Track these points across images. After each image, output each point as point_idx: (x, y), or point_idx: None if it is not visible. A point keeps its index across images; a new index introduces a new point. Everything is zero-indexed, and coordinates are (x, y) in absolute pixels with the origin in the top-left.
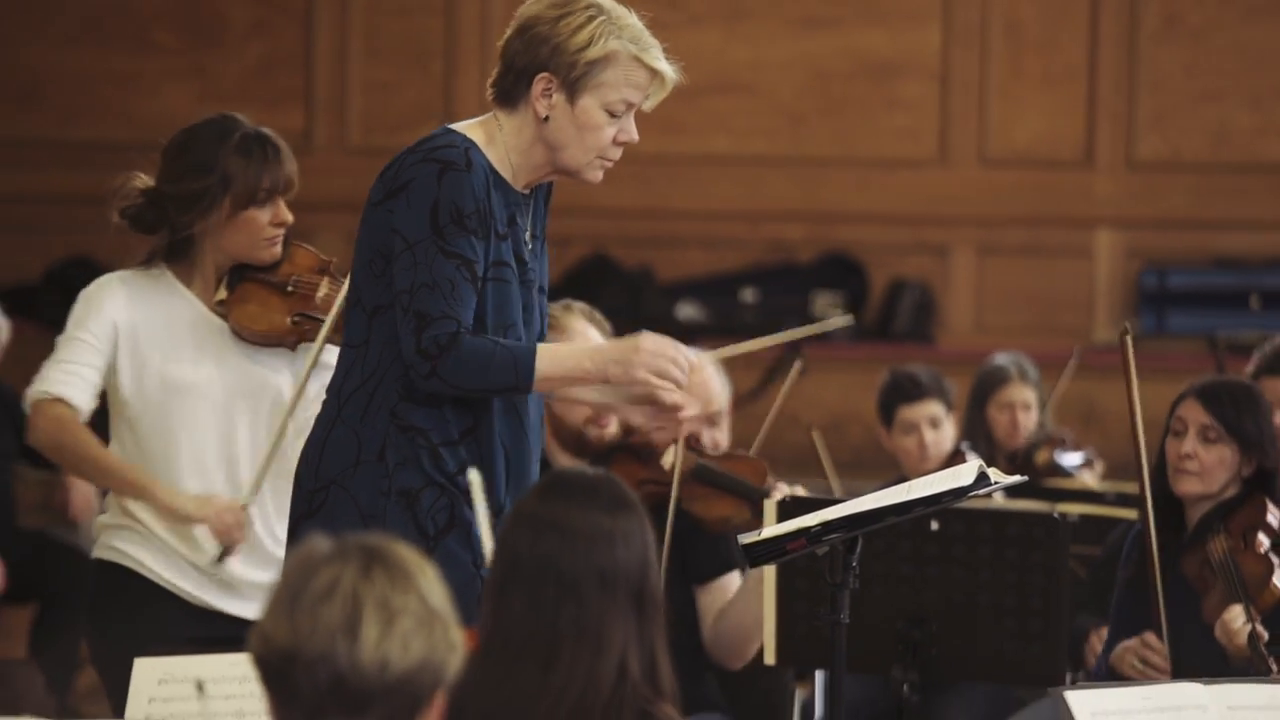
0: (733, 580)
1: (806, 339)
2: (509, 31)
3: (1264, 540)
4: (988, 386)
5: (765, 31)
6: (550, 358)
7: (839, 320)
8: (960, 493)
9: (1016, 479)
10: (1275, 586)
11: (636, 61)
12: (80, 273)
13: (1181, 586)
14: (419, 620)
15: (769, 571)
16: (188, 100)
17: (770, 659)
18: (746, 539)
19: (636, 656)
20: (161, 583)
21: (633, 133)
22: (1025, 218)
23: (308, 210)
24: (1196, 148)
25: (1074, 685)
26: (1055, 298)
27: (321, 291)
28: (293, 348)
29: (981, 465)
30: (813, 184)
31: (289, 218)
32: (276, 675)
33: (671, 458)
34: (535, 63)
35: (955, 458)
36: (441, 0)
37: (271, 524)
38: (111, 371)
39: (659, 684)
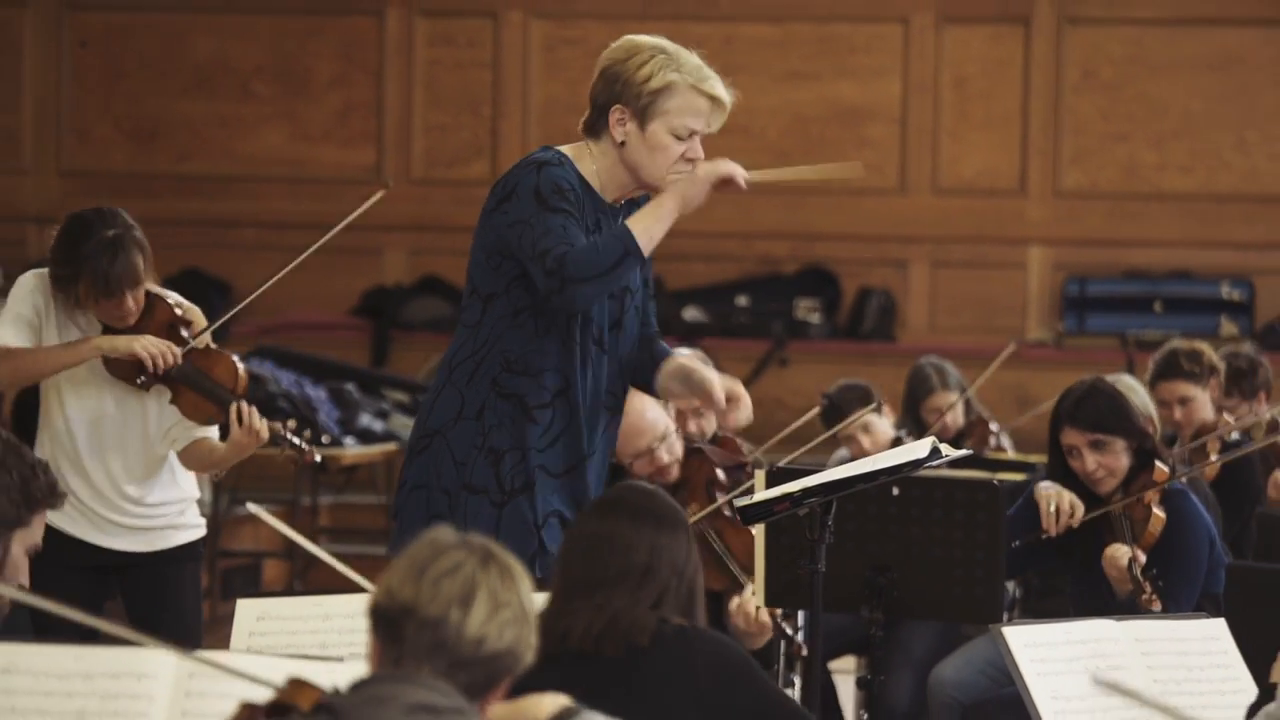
0: None
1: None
2: (594, 78)
3: (1153, 495)
4: (917, 395)
5: (756, 84)
6: (639, 220)
7: (849, 168)
8: (917, 464)
9: (963, 453)
10: (1152, 532)
11: (694, 90)
12: (193, 282)
13: (1096, 546)
14: (516, 616)
15: (759, 529)
16: (280, 140)
17: (760, 601)
18: (742, 502)
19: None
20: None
21: (699, 152)
22: (970, 237)
23: (379, 230)
24: (1110, 180)
25: (1009, 623)
26: (995, 303)
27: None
28: (145, 388)
29: (934, 441)
30: (795, 209)
31: (129, 308)
32: (390, 623)
33: (690, 510)
34: (610, 98)
35: (894, 445)
36: (489, 57)
37: (119, 482)
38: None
39: None
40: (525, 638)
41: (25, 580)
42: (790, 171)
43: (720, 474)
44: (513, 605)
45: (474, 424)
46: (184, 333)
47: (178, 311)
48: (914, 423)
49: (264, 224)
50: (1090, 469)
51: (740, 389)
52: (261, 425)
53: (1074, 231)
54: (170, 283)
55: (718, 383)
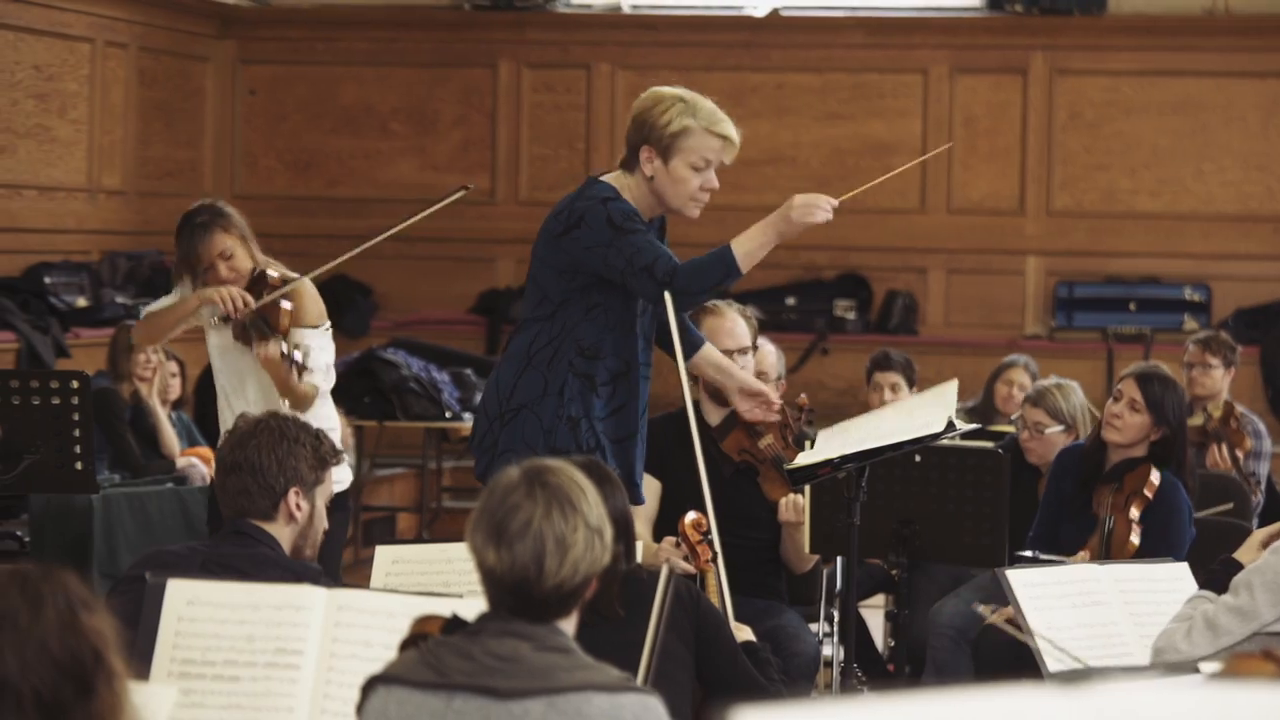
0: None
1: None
2: (628, 125)
3: (1135, 513)
4: (1000, 367)
5: (801, 122)
6: (740, 243)
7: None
8: (936, 436)
9: (973, 426)
10: (1132, 544)
11: (707, 132)
12: (341, 286)
13: (1089, 503)
14: (585, 544)
15: (806, 488)
16: (412, 170)
17: (807, 549)
18: (790, 466)
19: (624, 558)
20: None
21: (713, 181)
22: (978, 248)
23: (492, 242)
24: (1093, 202)
25: (1010, 566)
26: (998, 303)
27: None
28: (245, 341)
29: (950, 416)
30: (834, 225)
31: (225, 277)
32: (483, 578)
33: (767, 441)
34: (640, 140)
35: None
36: (583, 101)
37: None
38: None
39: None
40: (600, 553)
41: (326, 525)
42: (878, 180)
43: (790, 418)
44: (579, 540)
45: (556, 399)
46: (266, 294)
47: (269, 276)
48: (988, 398)
49: (398, 238)
50: (1115, 411)
51: (765, 389)
52: (271, 350)
53: (1063, 244)
54: (321, 286)
55: (746, 381)
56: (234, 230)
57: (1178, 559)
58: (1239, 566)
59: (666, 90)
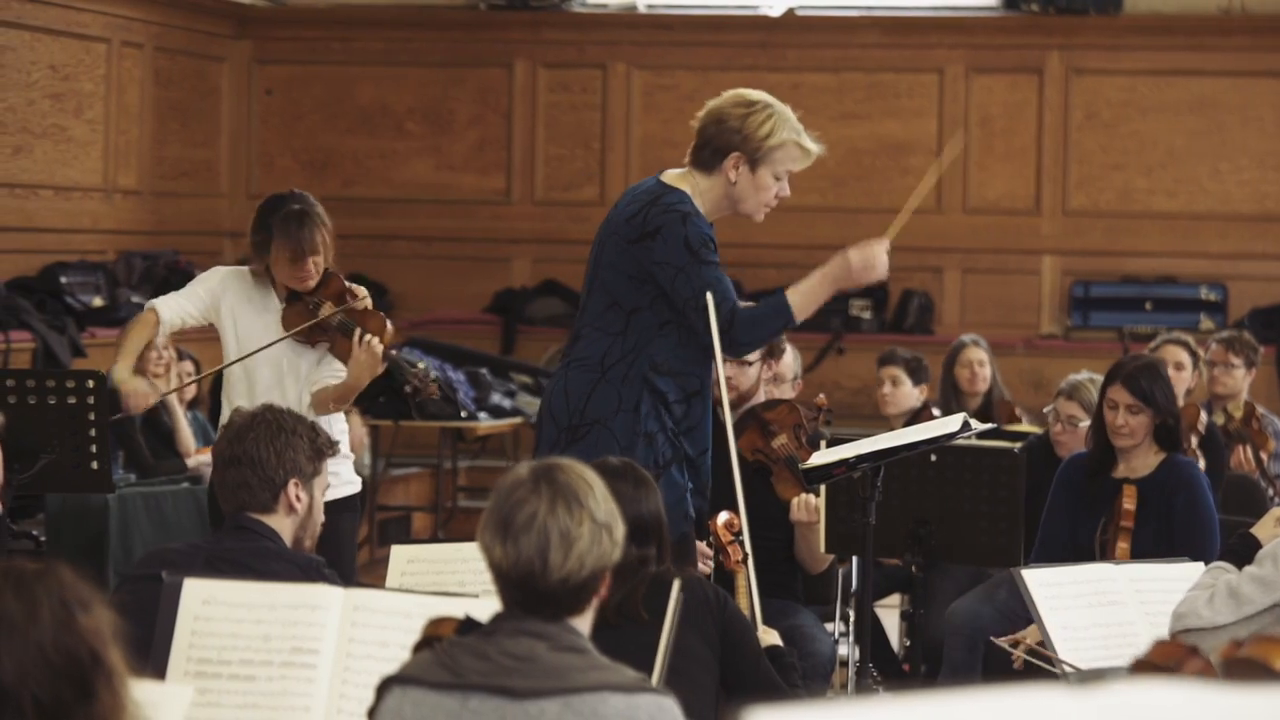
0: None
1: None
2: (703, 117)
3: (1124, 545)
4: (953, 355)
5: (817, 123)
6: (798, 296)
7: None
8: (951, 436)
9: (989, 425)
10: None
11: (797, 145)
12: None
13: (1102, 494)
14: (591, 538)
15: (822, 488)
16: (427, 170)
17: (822, 549)
18: (805, 465)
19: (654, 561)
20: None
21: (787, 190)
22: (994, 248)
23: (508, 243)
24: (1109, 201)
25: (1026, 565)
26: (1014, 303)
27: (324, 312)
28: (311, 345)
29: (965, 416)
30: (850, 225)
31: (310, 270)
32: (492, 573)
33: (781, 441)
34: (728, 145)
35: (923, 413)
36: (599, 101)
37: None
38: (219, 326)
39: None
40: (607, 548)
41: (324, 518)
42: (913, 201)
43: (804, 418)
44: (584, 534)
45: (632, 415)
46: (349, 299)
47: (346, 283)
48: (950, 385)
49: (414, 238)
50: (1119, 423)
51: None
52: (378, 346)
53: (1079, 244)
54: None
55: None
56: (326, 230)
57: (1214, 526)
58: (1256, 541)
59: (753, 95)
